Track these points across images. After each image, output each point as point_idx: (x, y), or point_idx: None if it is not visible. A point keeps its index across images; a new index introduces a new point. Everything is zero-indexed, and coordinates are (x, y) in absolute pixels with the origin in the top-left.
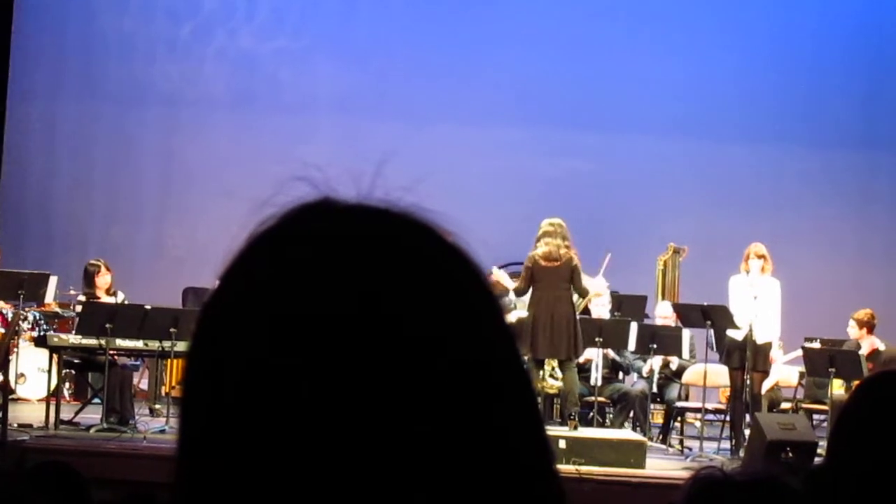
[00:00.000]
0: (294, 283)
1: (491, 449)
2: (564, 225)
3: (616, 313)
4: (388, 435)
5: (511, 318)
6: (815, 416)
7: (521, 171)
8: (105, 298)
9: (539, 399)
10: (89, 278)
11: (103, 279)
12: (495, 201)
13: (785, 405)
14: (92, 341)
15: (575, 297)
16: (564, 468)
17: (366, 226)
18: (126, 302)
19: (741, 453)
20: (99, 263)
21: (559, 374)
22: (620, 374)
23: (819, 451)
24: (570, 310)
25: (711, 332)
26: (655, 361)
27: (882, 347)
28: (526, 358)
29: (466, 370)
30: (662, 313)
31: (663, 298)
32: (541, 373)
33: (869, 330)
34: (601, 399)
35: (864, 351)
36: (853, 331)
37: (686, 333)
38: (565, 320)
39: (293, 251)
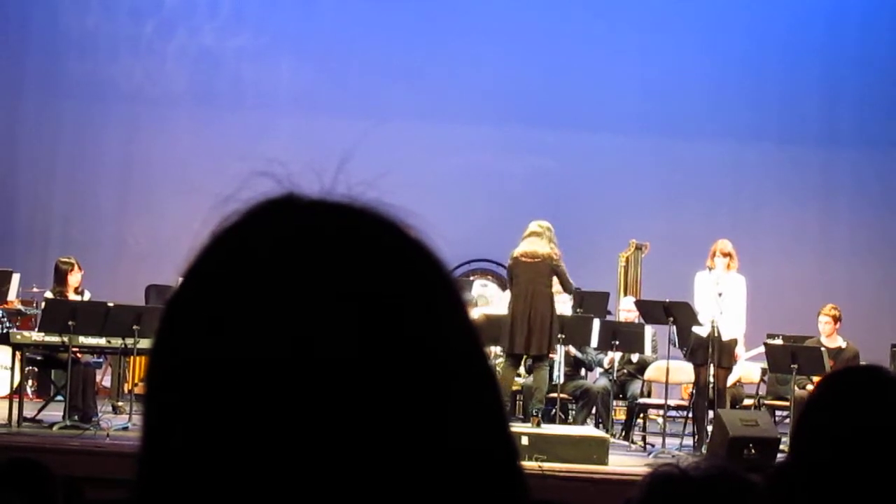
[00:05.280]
0: (257, 281)
1: (454, 446)
2: (551, 227)
3: (578, 310)
4: (351, 434)
5: (475, 313)
6: (778, 413)
7: (484, 168)
8: (72, 296)
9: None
10: (61, 276)
11: (75, 277)
12: (458, 198)
13: (747, 401)
14: (54, 338)
15: (564, 296)
16: (527, 465)
17: (328, 221)
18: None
19: (704, 449)
20: (71, 261)
21: (522, 370)
22: (583, 371)
23: (781, 447)
24: (548, 306)
25: (674, 328)
26: (615, 354)
27: (844, 345)
28: (498, 352)
29: (430, 366)
30: (626, 307)
31: (625, 295)
32: (519, 368)
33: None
34: (563, 395)
35: (833, 345)
36: (826, 327)
37: (648, 330)
38: (541, 317)
39: (257, 248)
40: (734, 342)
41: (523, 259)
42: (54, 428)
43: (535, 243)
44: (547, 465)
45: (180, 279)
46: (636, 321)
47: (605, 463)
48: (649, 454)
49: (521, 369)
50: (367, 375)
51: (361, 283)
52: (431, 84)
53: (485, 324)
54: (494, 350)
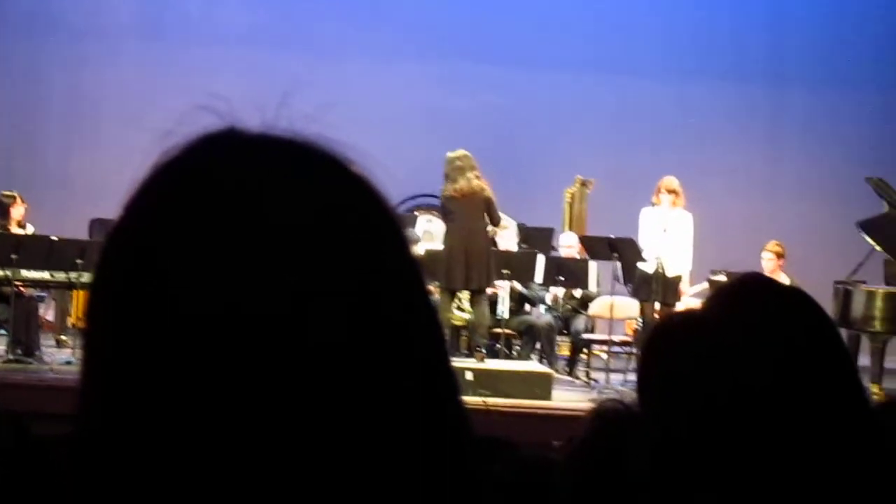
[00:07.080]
0: (195, 214)
1: (396, 382)
2: (470, 156)
3: (523, 245)
4: (293, 372)
5: (417, 249)
6: None
7: (430, 104)
8: (15, 230)
9: (446, 331)
10: (3, 209)
11: (17, 210)
12: (402, 134)
13: None
14: None
15: (510, 231)
16: (471, 400)
17: (268, 155)
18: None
19: None
20: (14, 195)
21: (466, 305)
22: (527, 307)
23: None
24: (485, 242)
25: (618, 264)
26: (559, 290)
27: (787, 282)
28: (436, 288)
29: (371, 302)
30: (566, 243)
31: (570, 231)
32: (452, 304)
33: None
34: (508, 331)
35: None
36: (769, 263)
37: (593, 265)
38: (479, 252)
39: (195, 182)
40: (679, 279)
41: (456, 196)
42: None
43: (462, 179)
44: (491, 401)
45: (120, 213)
46: (578, 256)
47: (549, 398)
48: (593, 390)
49: (465, 304)
50: (309, 312)
51: (302, 217)
52: (379, 20)
53: (426, 260)
54: (436, 285)
